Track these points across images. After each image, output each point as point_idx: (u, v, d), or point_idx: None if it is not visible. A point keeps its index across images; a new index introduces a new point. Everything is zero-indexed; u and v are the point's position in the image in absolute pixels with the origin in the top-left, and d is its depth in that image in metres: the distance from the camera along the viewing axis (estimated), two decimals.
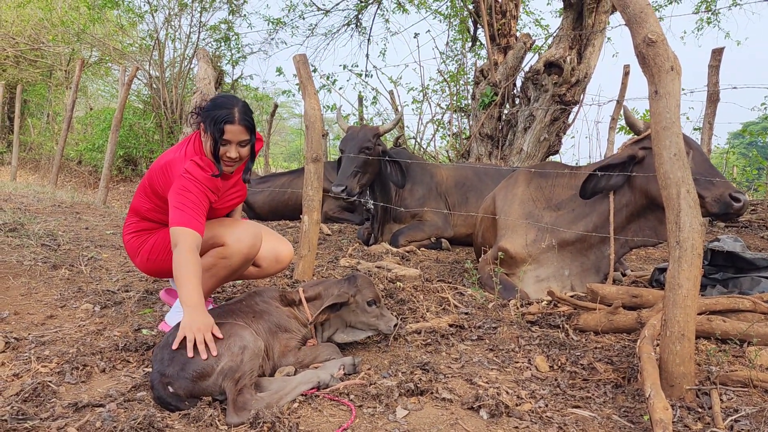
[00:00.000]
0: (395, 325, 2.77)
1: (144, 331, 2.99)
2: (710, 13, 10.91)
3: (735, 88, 5.91)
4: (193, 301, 2.38)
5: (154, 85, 13.36)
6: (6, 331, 2.85)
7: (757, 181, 10.75)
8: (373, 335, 2.82)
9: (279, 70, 11.94)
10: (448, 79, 10.15)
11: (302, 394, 2.26)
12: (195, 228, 2.60)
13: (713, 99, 6.44)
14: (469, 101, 9.34)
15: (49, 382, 2.30)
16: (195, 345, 2.18)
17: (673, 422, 2.02)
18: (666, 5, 11.07)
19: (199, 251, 2.60)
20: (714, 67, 6.40)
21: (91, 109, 17.70)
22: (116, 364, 2.55)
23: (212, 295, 3.52)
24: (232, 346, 2.19)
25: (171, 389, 2.11)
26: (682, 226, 2.18)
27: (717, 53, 6.41)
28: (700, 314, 2.83)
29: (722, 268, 3.71)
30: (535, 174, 4.00)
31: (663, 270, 3.80)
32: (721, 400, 2.22)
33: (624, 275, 4.16)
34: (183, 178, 2.70)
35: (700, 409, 2.16)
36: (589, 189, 3.56)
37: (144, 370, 2.49)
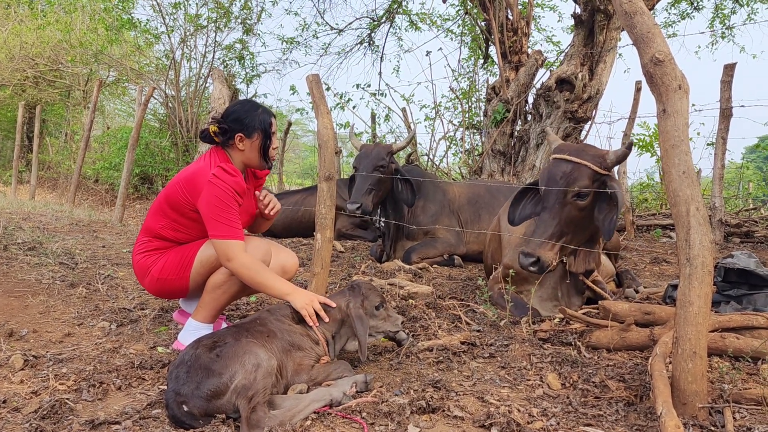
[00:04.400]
0: (402, 322, 2.86)
1: (159, 349, 3.03)
2: (725, 27, 10.92)
3: (743, 106, 5.89)
4: (288, 288, 2.76)
5: (170, 104, 13.57)
6: (25, 349, 2.90)
7: None
8: (382, 341, 2.84)
9: (293, 89, 12.08)
10: (461, 96, 10.22)
11: (315, 412, 2.27)
12: (237, 237, 2.82)
13: (726, 114, 6.43)
14: (482, 118, 9.39)
15: (67, 399, 2.33)
16: (207, 364, 2.21)
17: None
18: (679, 21, 11.11)
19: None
20: (726, 82, 6.40)
21: (108, 128, 17.97)
22: (132, 382, 2.59)
23: (225, 313, 3.56)
24: (246, 363, 2.22)
25: (186, 408, 2.13)
26: (692, 244, 2.18)
27: (729, 69, 6.41)
28: (713, 331, 2.82)
29: (736, 285, 3.68)
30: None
31: (676, 286, 3.77)
32: (734, 418, 2.21)
33: (637, 291, 4.14)
34: (212, 185, 2.80)
35: (713, 428, 2.15)
36: (516, 216, 3.69)
37: (159, 388, 2.52)
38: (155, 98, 13.58)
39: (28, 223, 6.55)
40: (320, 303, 2.71)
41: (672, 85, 2.25)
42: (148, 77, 14.41)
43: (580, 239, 3.45)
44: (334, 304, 2.73)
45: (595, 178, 3.31)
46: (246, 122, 2.97)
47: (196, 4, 13.10)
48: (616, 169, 3.87)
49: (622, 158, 3.38)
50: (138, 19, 13.09)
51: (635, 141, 8.88)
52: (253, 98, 14.07)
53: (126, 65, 14.57)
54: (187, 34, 13.43)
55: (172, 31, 13.35)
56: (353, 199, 5.28)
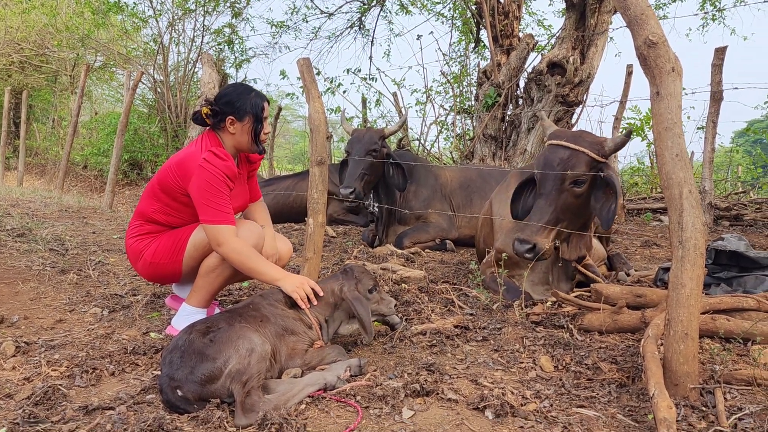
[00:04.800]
0: (395, 306, 2.88)
1: (152, 334, 3.02)
2: (715, 9, 10.91)
3: (736, 88, 5.89)
4: (279, 273, 2.76)
5: (159, 89, 13.43)
6: (16, 336, 2.88)
7: (762, 179, 10.72)
8: (375, 325, 2.85)
9: (283, 73, 11.99)
10: (452, 81, 10.17)
11: (309, 396, 2.28)
12: (228, 222, 2.81)
13: (716, 98, 6.43)
14: (473, 102, 9.37)
15: (60, 385, 2.33)
16: (201, 349, 2.21)
17: (677, 421, 2.04)
18: (670, 3, 11.09)
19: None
20: (717, 65, 6.39)
21: (96, 113, 17.77)
22: (125, 368, 2.58)
23: (218, 299, 3.55)
24: (240, 348, 2.22)
25: (180, 393, 2.13)
26: (684, 226, 2.19)
27: (720, 52, 6.40)
28: (704, 313, 2.84)
29: (726, 267, 3.71)
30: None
31: (667, 269, 3.80)
32: (725, 398, 2.23)
33: (628, 275, 4.16)
34: (202, 169, 2.79)
35: (704, 408, 2.17)
36: (519, 210, 3.62)
37: (153, 373, 2.52)
38: (143, 83, 13.44)
39: (16, 209, 6.49)
40: (311, 287, 2.71)
41: (665, 67, 2.25)
42: (135, 62, 14.23)
43: (575, 226, 3.44)
44: (322, 292, 2.73)
45: (592, 166, 3.28)
46: (237, 105, 2.95)
47: None
48: None
49: (620, 146, 3.33)
50: (125, 2, 12.86)
51: (626, 125, 8.88)
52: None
53: (113, 50, 14.38)
54: (175, 18, 13.26)
55: (160, 14, 13.18)
56: (346, 183, 5.26)
